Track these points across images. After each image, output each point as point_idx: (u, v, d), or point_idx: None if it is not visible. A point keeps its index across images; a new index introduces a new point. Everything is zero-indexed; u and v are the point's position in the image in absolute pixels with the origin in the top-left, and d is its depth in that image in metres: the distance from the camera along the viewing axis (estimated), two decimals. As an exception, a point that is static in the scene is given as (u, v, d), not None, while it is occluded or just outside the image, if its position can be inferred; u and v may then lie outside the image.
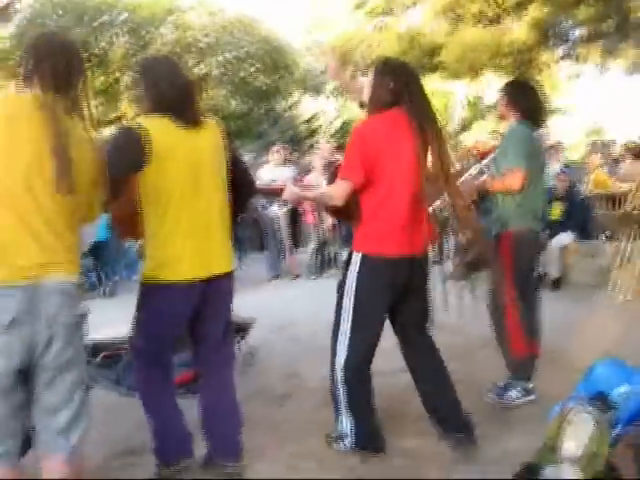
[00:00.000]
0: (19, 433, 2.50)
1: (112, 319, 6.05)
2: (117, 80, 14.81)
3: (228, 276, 3.28)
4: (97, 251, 8.79)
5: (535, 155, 4.36)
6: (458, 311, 6.13)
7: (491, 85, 17.68)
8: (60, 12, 14.97)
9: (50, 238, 2.43)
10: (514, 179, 4.19)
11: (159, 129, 3.05)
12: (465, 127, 22.88)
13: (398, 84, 3.47)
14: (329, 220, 9.80)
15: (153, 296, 3.18)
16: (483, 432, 3.82)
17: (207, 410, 3.39)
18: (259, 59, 16.58)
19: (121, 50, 14.65)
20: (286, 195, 3.87)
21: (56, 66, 2.54)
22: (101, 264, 8.88)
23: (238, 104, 15.89)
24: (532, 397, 4.30)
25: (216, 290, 3.23)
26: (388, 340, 5.65)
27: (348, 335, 3.55)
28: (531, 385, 4.34)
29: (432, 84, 18.08)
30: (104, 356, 4.92)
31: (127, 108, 14.88)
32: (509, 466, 3.23)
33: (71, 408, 2.54)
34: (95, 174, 2.64)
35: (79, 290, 2.55)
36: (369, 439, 3.60)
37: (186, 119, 3.12)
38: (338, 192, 3.47)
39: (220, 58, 15.49)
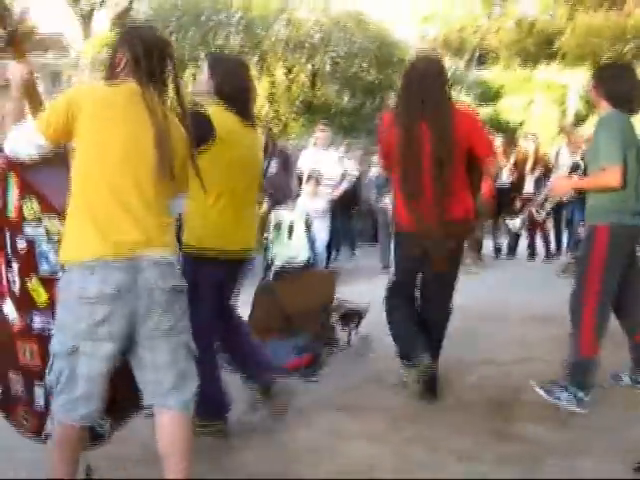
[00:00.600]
0: (103, 397, 2.63)
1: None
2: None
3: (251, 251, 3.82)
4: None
5: (631, 145, 3.95)
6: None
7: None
8: (178, 13, 15.45)
9: (148, 217, 2.57)
10: (611, 177, 3.84)
11: (225, 118, 3.42)
12: (580, 121, 22.21)
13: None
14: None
15: (201, 266, 3.45)
16: (606, 422, 3.78)
17: (235, 355, 3.85)
18: (370, 54, 16.58)
19: (236, 48, 14.96)
20: None
21: (149, 58, 2.64)
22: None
23: (349, 100, 15.93)
24: (580, 410, 3.89)
25: (245, 262, 3.74)
26: (501, 334, 5.66)
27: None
28: (585, 397, 3.93)
29: (547, 74, 17.64)
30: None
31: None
32: (633, 454, 3.20)
33: (176, 368, 2.65)
34: (186, 155, 2.77)
35: (175, 266, 2.68)
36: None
37: (247, 117, 3.56)
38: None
39: (332, 54, 15.60)
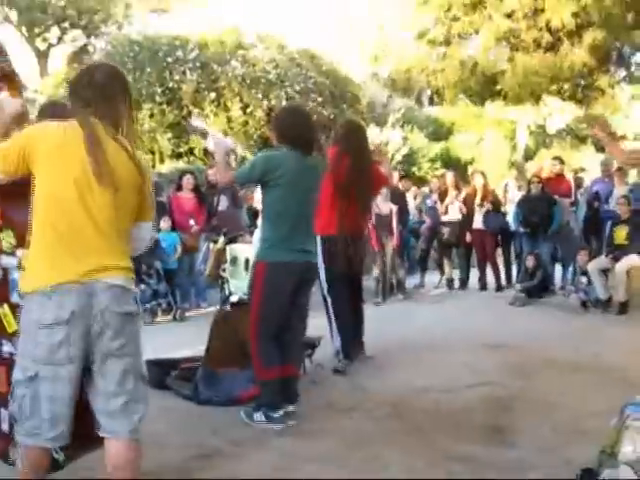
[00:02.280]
0: (70, 420, 2.72)
1: (183, 342, 6.42)
2: (189, 114, 15.28)
3: None
4: (170, 277, 9.15)
5: (291, 185, 4.28)
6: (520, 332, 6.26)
7: (553, 113, 17.74)
8: (135, 50, 15.59)
9: (103, 246, 2.70)
10: (225, 177, 4.47)
11: None
12: (529, 156, 22.79)
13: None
14: (392, 245, 10.01)
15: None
16: (545, 443, 3.97)
17: None
18: (324, 90, 16.89)
19: (192, 85, 15.13)
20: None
21: (96, 92, 2.78)
22: (173, 290, 9.21)
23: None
24: (277, 426, 4.25)
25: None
26: (452, 362, 5.86)
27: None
28: (277, 414, 4.31)
29: (494, 112, 18.28)
30: (182, 368, 5.18)
31: (196, 141, 15.34)
32: (570, 473, 3.38)
33: (126, 394, 2.76)
34: (139, 184, 2.86)
35: (129, 291, 2.79)
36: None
37: None
38: None
39: (287, 90, 15.85)
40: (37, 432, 2.67)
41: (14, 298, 2.96)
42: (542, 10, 12.70)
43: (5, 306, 3.00)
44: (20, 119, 2.97)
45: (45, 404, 2.64)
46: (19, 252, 2.93)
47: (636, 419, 3.22)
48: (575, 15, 15.24)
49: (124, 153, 2.80)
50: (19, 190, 2.74)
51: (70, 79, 2.89)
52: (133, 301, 2.82)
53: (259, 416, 4.30)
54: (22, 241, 2.85)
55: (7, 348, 3.00)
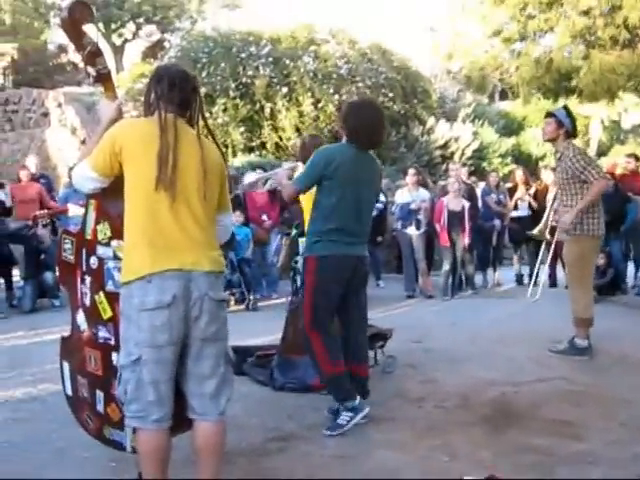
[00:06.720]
0: (172, 400, 2.89)
1: (255, 330, 6.68)
2: (262, 108, 15.55)
3: None
4: (243, 268, 9.42)
5: (347, 181, 4.21)
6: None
7: (629, 109, 17.42)
8: (209, 46, 15.94)
9: (200, 236, 2.88)
10: (286, 192, 4.35)
11: None
12: (603, 152, 22.42)
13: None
14: (463, 241, 10.07)
15: None
16: (615, 436, 4.03)
17: None
18: (395, 85, 16.95)
19: (265, 80, 15.39)
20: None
21: (175, 92, 2.93)
22: (246, 280, 9.46)
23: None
24: (364, 413, 4.21)
25: None
26: (522, 356, 5.93)
27: None
28: (356, 402, 4.22)
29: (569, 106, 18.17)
30: (258, 356, 5.41)
31: (269, 135, 15.60)
32: (638, 467, 3.47)
33: (218, 376, 2.94)
34: (223, 174, 3.07)
35: (221, 278, 2.98)
36: None
37: None
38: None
39: (359, 85, 15.97)
40: (143, 415, 2.82)
41: (109, 286, 3.14)
42: (619, 7, 12.51)
43: (101, 294, 3.17)
44: (118, 121, 3.13)
45: (149, 387, 2.79)
46: (114, 243, 3.12)
47: None
48: (654, 12, 15.12)
49: (209, 144, 3.01)
50: (114, 184, 2.93)
51: (148, 79, 3.05)
52: (223, 289, 3.01)
53: (344, 417, 4.18)
54: (117, 233, 3.05)
55: (102, 334, 3.18)
